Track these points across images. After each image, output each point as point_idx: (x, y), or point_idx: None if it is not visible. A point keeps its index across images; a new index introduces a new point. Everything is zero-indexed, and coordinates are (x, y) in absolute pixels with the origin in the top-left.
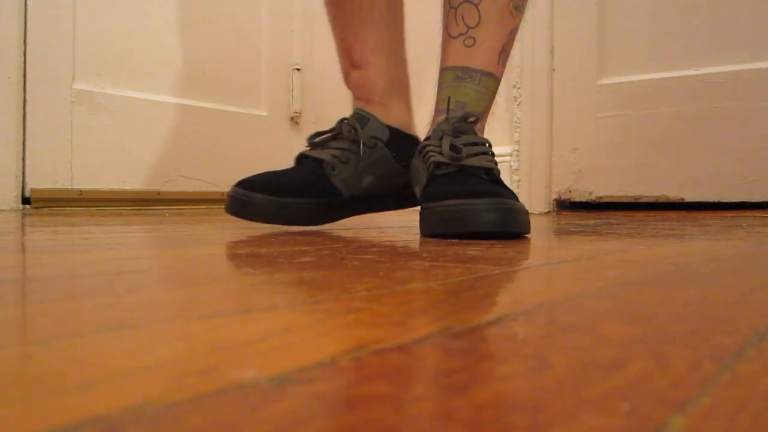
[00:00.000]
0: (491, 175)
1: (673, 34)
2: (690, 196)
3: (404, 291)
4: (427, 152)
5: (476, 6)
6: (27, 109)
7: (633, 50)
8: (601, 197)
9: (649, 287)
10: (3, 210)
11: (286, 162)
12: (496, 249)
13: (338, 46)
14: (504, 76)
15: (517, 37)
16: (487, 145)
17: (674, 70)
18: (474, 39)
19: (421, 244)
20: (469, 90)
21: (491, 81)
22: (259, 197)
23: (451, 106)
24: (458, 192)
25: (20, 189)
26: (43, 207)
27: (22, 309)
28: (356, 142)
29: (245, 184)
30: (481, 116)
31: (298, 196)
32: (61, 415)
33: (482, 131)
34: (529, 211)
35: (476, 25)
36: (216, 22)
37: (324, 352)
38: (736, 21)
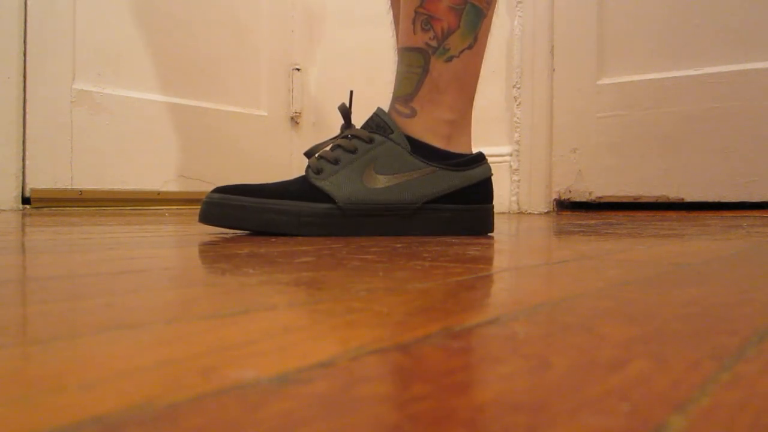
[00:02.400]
0: (308, 172)
1: (673, 34)
2: (690, 196)
3: (404, 291)
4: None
5: None
6: (27, 109)
7: (633, 50)
8: (601, 197)
9: (649, 287)
10: (3, 210)
11: (286, 161)
12: (496, 249)
13: None
14: (504, 76)
15: (517, 37)
16: (349, 137)
17: (674, 70)
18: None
19: (420, 244)
20: (396, 75)
21: (410, 55)
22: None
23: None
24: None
25: (20, 189)
26: (43, 207)
27: (22, 309)
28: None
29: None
30: (411, 96)
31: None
32: (61, 415)
33: (432, 102)
34: (530, 211)
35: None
36: (216, 23)
37: (324, 352)
38: (736, 21)
